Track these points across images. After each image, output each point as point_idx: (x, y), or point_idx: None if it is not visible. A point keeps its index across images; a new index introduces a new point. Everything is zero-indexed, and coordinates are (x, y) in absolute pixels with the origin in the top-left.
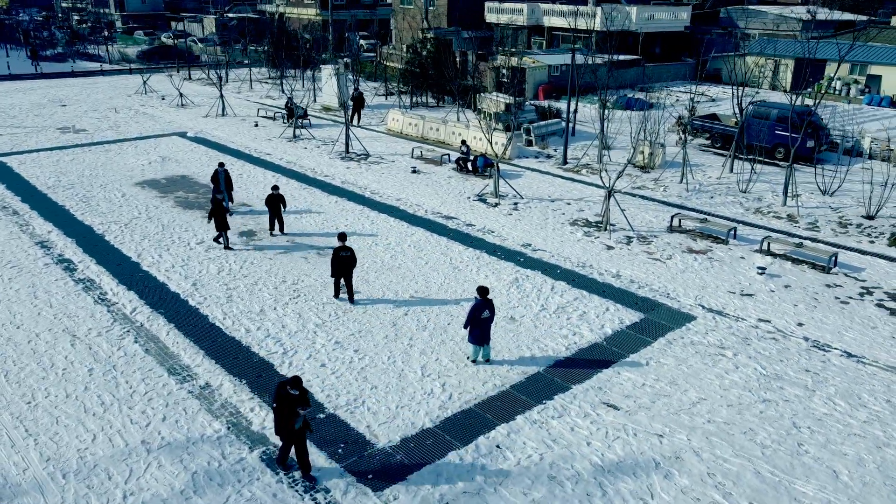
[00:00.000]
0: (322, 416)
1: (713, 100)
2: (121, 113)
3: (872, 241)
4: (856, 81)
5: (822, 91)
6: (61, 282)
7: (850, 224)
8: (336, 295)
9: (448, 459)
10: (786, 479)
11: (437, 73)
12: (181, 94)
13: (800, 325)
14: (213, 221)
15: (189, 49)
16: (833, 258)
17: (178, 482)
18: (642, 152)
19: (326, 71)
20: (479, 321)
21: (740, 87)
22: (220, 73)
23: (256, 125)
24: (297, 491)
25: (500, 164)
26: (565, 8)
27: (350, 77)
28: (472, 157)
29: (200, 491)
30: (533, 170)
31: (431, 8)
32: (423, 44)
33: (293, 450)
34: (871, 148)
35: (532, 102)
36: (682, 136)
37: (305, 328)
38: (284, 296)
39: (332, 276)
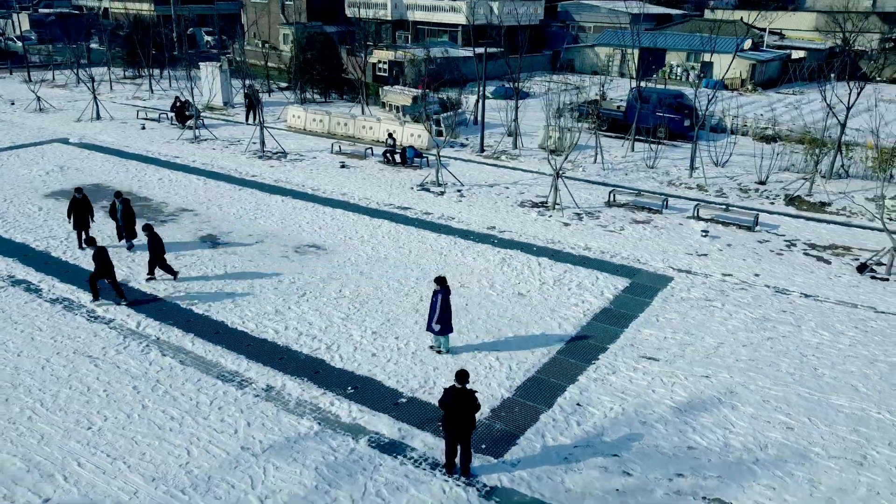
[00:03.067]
0: (404, 400)
1: (577, 88)
2: None
3: (772, 203)
4: (693, 68)
5: (666, 77)
6: (34, 303)
7: (749, 189)
8: None
9: (543, 421)
10: (822, 397)
11: (324, 67)
12: (39, 98)
13: (756, 275)
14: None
15: (15, 49)
16: (756, 218)
17: (307, 479)
18: (551, 136)
19: (207, 69)
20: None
21: (633, 77)
22: (91, 75)
23: (143, 128)
24: (423, 469)
25: (425, 154)
26: (431, 3)
27: (229, 73)
28: (399, 150)
29: (335, 483)
30: (455, 158)
31: (289, 2)
32: (308, 39)
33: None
34: (732, 125)
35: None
36: (596, 121)
37: (333, 323)
38: (291, 295)
39: None
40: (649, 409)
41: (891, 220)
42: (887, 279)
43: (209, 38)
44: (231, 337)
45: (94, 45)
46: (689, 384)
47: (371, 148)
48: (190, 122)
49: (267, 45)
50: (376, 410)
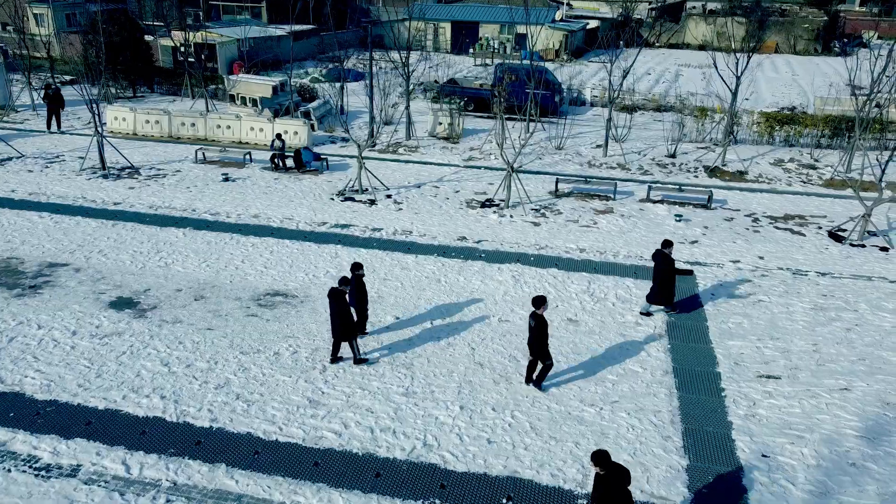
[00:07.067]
0: (584, 503)
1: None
2: None
3: (696, 176)
4: (508, 40)
5: (483, 50)
6: None
7: (666, 164)
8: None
9: (757, 490)
10: None
11: (132, 55)
12: None
13: (761, 258)
14: None
15: None
16: (710, 196)
17: None
18: (441, 123)
19: None
20: None
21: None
22: None
23: None
24: None
25: (324, 156)
26: None
27: (4, 67)
28: (290, 153)
29: None
30: (350, 157)
31: None
32: (111, 20)
33: None
34: (591, 97)
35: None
36: (500, 104)
37: (397, 404)
38: (310, 371)
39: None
40: (839, 445)
41: (803, 183)
42: (863, 245)
43: None
44: (281, 456)
45: None
46: (840, 402)
47: (249, 153)
48: None
49: (10, 29)
50: None
